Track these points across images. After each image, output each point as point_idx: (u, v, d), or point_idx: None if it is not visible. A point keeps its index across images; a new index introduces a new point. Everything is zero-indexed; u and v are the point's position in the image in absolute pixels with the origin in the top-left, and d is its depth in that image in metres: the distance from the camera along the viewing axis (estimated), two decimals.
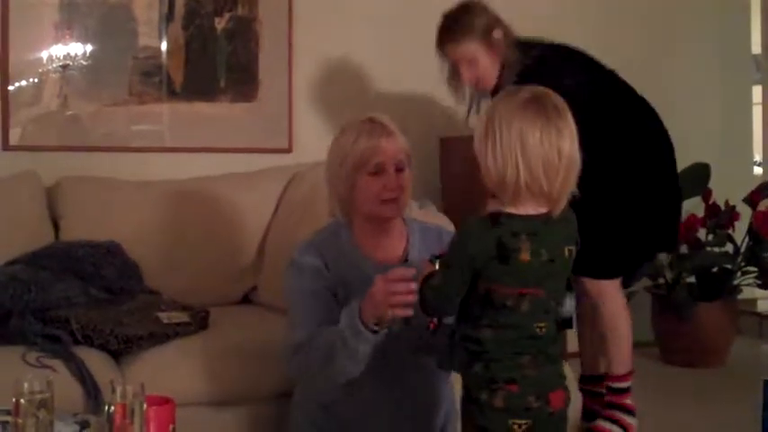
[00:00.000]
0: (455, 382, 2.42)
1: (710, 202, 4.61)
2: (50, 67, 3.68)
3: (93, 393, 2.61)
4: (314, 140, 4.07)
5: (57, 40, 3.68)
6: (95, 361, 2.72)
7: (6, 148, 3.63)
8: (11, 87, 3.62)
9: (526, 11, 4.53)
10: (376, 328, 2.15)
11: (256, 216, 3.61)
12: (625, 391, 3.33)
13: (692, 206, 4.59)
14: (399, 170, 2.36)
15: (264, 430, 2.89)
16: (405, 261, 2.43)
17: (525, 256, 1.92)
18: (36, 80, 3.66)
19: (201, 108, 3.92)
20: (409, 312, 2.09)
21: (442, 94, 3.98)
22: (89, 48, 3.73)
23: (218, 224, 3.54)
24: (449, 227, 2.67)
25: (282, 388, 2.72)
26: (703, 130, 4.95)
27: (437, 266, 2.04)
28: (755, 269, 4.55)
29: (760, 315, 5.18)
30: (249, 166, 3.80)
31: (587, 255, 3.15)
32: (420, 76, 4.15)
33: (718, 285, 4.54)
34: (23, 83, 3.64)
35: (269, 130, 4.05)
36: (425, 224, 2.54)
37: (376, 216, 2.39)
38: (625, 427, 3.30)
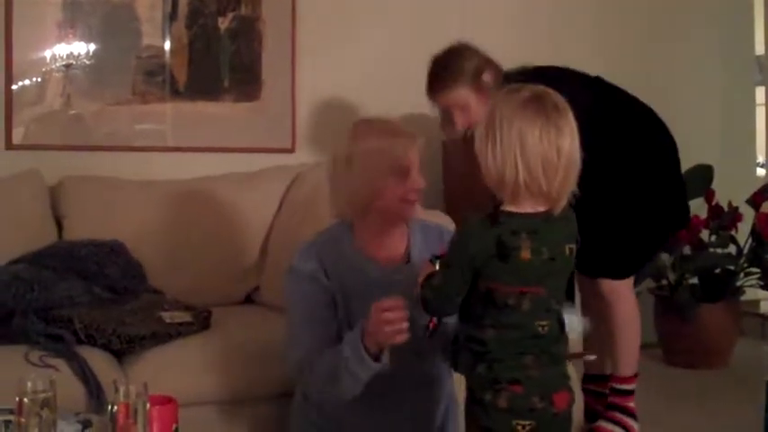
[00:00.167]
0: (458, 381, 2.43)
1: (713, 204, 4.60)
2: (53, 67, 3.68)
3: (95, 393, 2.61)
4: (317, 140, 4.09)
5: (60, 40, 3.68)
6: (98, 360, 2.72)
7: (10, 147, 3.63)
8: (14, 86, 3.62)
9: (527, 13, 4.56)
10: (379, 356, 2.19)
11: (259, 216, 3.61)
12: (629, 393, 3.33)
13: (695, 207, 4.57)
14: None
15: (267, 430, 2.89)
16: (407, 261, 2.44)
17: (526, 254, 1.93)
18: (39, 79, 3.66)
19: (205, 108, 3.92)
20: (403, 338, 2.12)
21: None
22: (92, 47, 3.73)
23: (220, 224, 3.54)
24: (449, 226, 2.66)
25: (284, 388, 2.72)
26: (706, 131, 4.95)
27: (437, 267, 2.04)
28: (758, 270, 4.54)
29: (763, 316, 5.17)
30: (252, 166, 3.80)
31: (602, 256, 3.20)
32: (422, 75, 4.15)
33: (721, 287, 4.53)
34: (27, 82, 3.64)
35: (272, 130, 4.05)
36: (426, 223, 2.54)
37: (395, 217, 2.40)
38: (627, 428, 3.30)
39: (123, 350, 2.81)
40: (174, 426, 1.99)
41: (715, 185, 4.63)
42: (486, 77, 3.14)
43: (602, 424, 3.31)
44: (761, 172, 5.75)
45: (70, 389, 2.55)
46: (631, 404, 3.33)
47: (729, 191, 4.64)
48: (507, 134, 1.92)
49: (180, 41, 3.87)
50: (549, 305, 1.99)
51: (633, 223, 3.24)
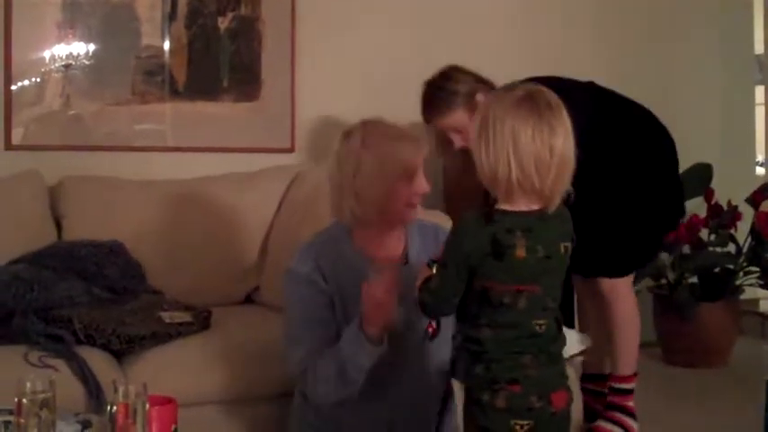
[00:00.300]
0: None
1: (713, 203, 4.60)
2: (53, 67, 3.68)
3: (95, 393, 2.61)
4: (316, 140, 4.09)
5: (59, 40, 3.68)
6: (98, 361, 2.72)
7: (9, 147, 3.63)
8: (14, 87, 3.62)
9: (527, 14, 4.56)
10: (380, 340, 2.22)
11: (259, 216, 3.61)
12: (629, 392, 3.34)
13: (695, 206, 4.58)
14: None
15: (266, 430, 2.89)
16: (405, 262, 2.45)
17: (521, 252, 1.93)
18: (39, 80, 3.66)
19: (204, 107, 3.92)
20: (393, 317, 2.18)
21: None
22: (92, 47, 3.73)
23: (220, 224, 3.55)
24: (446, 225, 2.67)
25: (284, 388, 2.71)
26: (706, 130, 4.95)
27: (434, 270, 2.05)
28: (758, 269, 4.55)
29: (762, 315, 5.18)
30: (251, 166, 3.80)
31: (601, 255, 3.22)
32: (422, 75, 4.15)
33: (720, 286, 4.53)
34: (26, 82, 3.64)
35: (271, 130, 4.05)
36: (423, 223, 2.55)
37: (396, 220, 2.42)
38: (627, 428, 3.30)
39: (123, 350, 2.81)
40: (173, 426, 1.99)
41: (714, 184, 4.63)
42: (480, 98, 3.14)
43: (602, 423, 3.32)
44: (760, 171, 5.75)
45: (70, 389, 2.55)
46: (631, 403, 3.33)
47: (729, 190, 4.64)
48: (500, 133, 1.92)
49: (179, 41, 3.87)
50: (545, 304, 1.99)
51: (632, 222, 3.25)
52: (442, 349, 2.46)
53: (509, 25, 4.49)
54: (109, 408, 1.88)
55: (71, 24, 3.70)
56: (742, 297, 4.63)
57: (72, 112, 3.72)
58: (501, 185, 1.94)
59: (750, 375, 4.24)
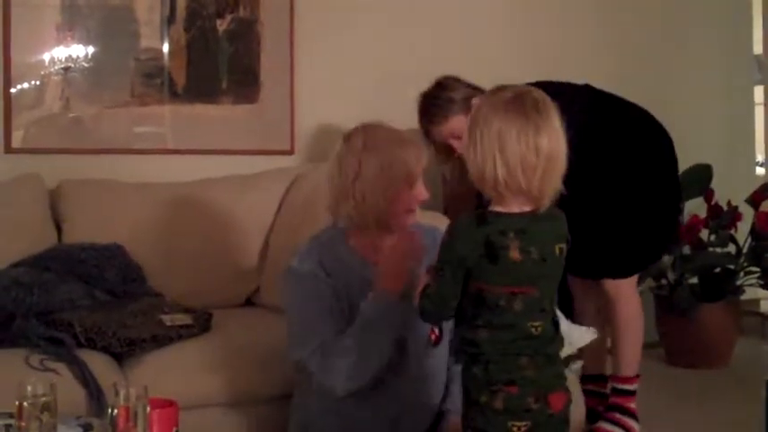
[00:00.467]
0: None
1: (713, 203, 4.60)
2: (52, 70, 3.68)
3: (96, 396, 2.60)
4: (316, 142, 4.09)
5: (58, 43, 3.68)
6: (98, 364, 2.71)
7: (9, 150, 3.62)
8: (13, 90, 3.62)
9: (528, 15, 4.56)
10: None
11: (258, 218, 3.61)
12: (631, 393, 3.34)
13: (695, 207, 4.59)
14: None
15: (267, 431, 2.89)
16: None
17: (515, 254, 1.93)
18: (38, 82, 3.66)
19: (203, 110, 3.92)
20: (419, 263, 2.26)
21: None
22: (91, 50, 3.73)
23: (220, 226, 3.54)
24: (443, 228, 2.68)
25: (285, 390, 2.71)
26: (706, 130, 4.95)
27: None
28: (758, 269, 4.54)
29: (763, 315, 5.18)
30: (251, 168, 3.80)
31: (605, 256, 3.22)
32: (421, 77, 4.15)
33: (720, 286, 4.53)
34: (25, 85, 3.64)
35: (271, 132, 4.04)
36: (419, 225, 2.55)
37: (397, 225, 2.42)
38: (627, 429, 3.30)
39: (123, 353, 2.80)
40: (174, 429, 1.99)
41: (714, 185, 4.63)
42: (476, 101, 3.15)
43: (603, 425, 3.32)
44: (760, 171, 5.75)
45: (70, 392, 2.55)
46: (632, 405, 3.33)
47: (729, 190, 4.64)
48: (487, 134, 1.94)
49: (178, 43, 3.87)
50: (542, 306, 1.99)
51: (633, 222, 3.25)
52: (444, 346, 2.47)
53: (509, 26, 4.49)
54: (110, 411, 1.87)
55: (70, 27, 3.70)
56: (742, 297, 4.63)
57: (71, 114, 3.71)
58: (489, 186, 1.96)
59: (751, 375, 4.24)
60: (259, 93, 4.02)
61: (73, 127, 3.72)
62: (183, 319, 3.00)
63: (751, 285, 4.62)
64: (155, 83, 3.83)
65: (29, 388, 1.88)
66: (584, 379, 3.50)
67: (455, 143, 3.19)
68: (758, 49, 5.61)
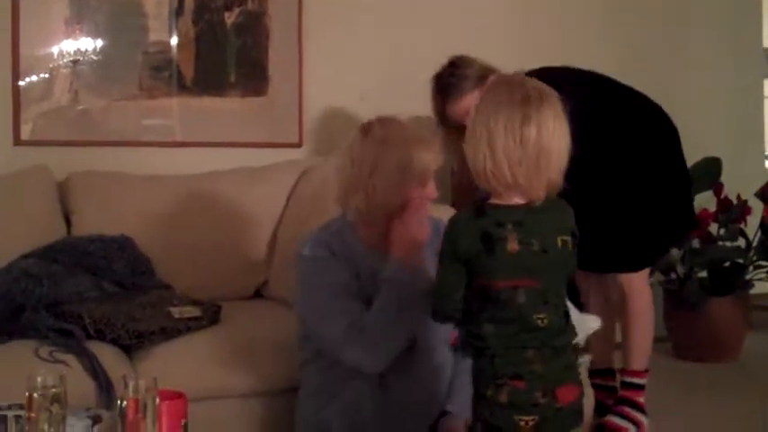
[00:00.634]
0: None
1: (722, 197, 4.59)
2: (61, 63, 3.68)
3: (105, 388, 2.60)
4: (324, 135, 4.08)
5: (67, 36, 3.68)
6: (107, 356, 2.72)
7: (18, 143, 3.63)
8: (22, 82, 3.62)
9: (536, 8, 4.55)
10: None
11: (267, 211, 3.61)
12: (641, 387, 3.33)
13: (704, 200, 4.57)
14: None
15: (276, 424, 2.89)
16: None
17: (513, 246, 1.93)
18: (47, 75, 3.66)
19: (212, 103, 3.92)
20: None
21: None
22: (99, 43, 3.73)
23: (228, 219, 3.54)
24: (446, 219, 2.70)
25: (293, 383, 2.71)
26: (715, 124, 4.94)
27: None
28: (767, 264, 4.53)
29: None
30: (259, 161, 3.80)
31: (615, 250, 3.21)
32: (430, 68, 4.14)
33: (730, 280, 4.52)
34: (34, 78, 3.64)
35: (279, 125, 4.04)
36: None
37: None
38: (637, 423, 3.29)
39: (132, 345, 2.81)
40: (183, 421, 1.99)
41: (724, 178, 4.61)
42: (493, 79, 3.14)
43: (612, 418, 3.31)
44: None
45: (80, 384, 2.55)
46: (641, 399, 3.33)
47: (738, 184, 4.63)
48: (479, 126, 1.96)
49: (186, 36, 3.87)
50: (546, 298, 1.98)
51: (641, 213, 3.24)
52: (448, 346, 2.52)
53: (512, 18, 4.47)
54: (119, 403, 1.88)
55: (78, 20, 3.70)
56: (752, 291, 4.61)
57: (80, 107, 3.72)
58: (482, 180, 1.97)
59: (760, 369, 4.24)
60: (267, 86, 4.02)
61: (81, 119, 3.72)
62: (191, 311, 3.00)
63: (760, 279, 4.60)
64: (163, 76, 3.83)
65: (39, 379, 1.88)
66: (593, 373, 3.49)
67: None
68: (767, 42, 5.58)
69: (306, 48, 4.08)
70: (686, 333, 4.48)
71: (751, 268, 4.56)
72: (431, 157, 2.40)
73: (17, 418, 1.98)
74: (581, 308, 3.38)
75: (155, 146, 3.84)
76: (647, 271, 3.40)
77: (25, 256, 3.10)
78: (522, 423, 1.91)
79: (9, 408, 2.02)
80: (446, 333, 2.51)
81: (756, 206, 4.57)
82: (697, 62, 4.98)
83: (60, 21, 3.67)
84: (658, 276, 4.51)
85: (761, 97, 5.43)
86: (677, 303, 4.48)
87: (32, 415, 1.87)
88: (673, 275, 4.53)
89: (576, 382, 2.01)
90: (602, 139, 3.10)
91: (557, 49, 4.37)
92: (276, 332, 2.95)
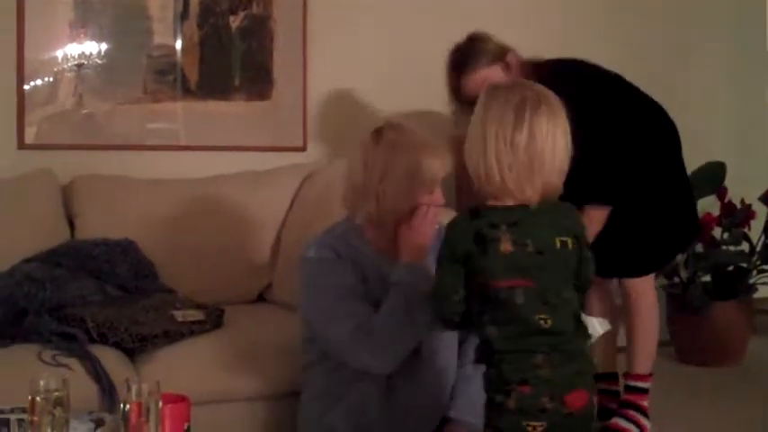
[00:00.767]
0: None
1: (726, 201, 4.59)
2: (65, 66, 3.69)
3: (108, 391, 2.61)
4: (328, 139, 4.09)
5: (71, 39, 3.69)
6: (110, 359, 2.72)
7: (22, 146, 3.64)
8: (26, 86, 3.63)
9: (539, 12, 4.55)
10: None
11: (271, 214, 3.61)
12: (644, 391, 3.33)
13: (708, 205, 4.57)
14: None
15: (279, 427, 2.89)
16: None
17: (506, 246, 1.94)
18: (51, 79, 3.67)
19: (216, 106, 3.92)
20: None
21: None
22: (104, 46, 3.74)
23: (232, 223, 3.55)
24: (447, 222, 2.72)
25: (296, 386, 2.71)
26: (719, 128, 4.93)
27: None
28: None
29: None
30: (264, 165, 3.80)
31: (621, 256, 3.21)
32: (434, 73, 4.14)
33: (733, 284, 4.52)
34: (38, 82, 3.65)
35: (283, 129, 4.05)
36: None
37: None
38: (641, 427, 3.29)
39: (135, 349, 2.81)
40: (186, 424, 1.99)
41: (728, 183, 4.61)
42: (512, 58, 3.16)
43: (618, 421, 3.31)
44: None
45: (83, 387, 2.55)
46: (645, 403, 3.33)
47: (742, 188, 4.62)
48: (474, 130, 1.99)
49: (191, 40, 3.87)
50: (545, 298, 1.97)
51: (652, 217, 3.23)
52: (453, 351, 2.54)
53: (519, 17, 4.47)
54: (122, 406, 1.88)
55: (83, 23, 3.70)
56: (755, 296, 4.60)
57: (84, 111, 3.72)
58: (474, 181, 2.00)
59: (763, 374, 4.24)
60: (272, 89, 4.02)
61: (86, 123, 3.73)
62: (194, 314, 3.00)
63: (764, 284, 4.59)
64: (167, 79, 3.84)
65: (42, 383, 1.88)
66: (596, 377, 3.49)
67: None
68: None
69: (310, 52, 4.08)
70: (689, 337, 4.48)
71: (754, 272, 4.56)
72: (439, 164, 2.42)
73: (20, 421, 1.98)
74: (583, 311, 3.39)
75: (159, 149, 3.84)
76: (651, 276, 3.40)
77: (28, 260, 3.10)
78: (530, 429, 1.91)
79: (12, 411, 2.03)
80: (451, 338, 2.52)
81: (760, 210, 4.56)
82: (701, 66, 4.97)
83: (65, 24, 3.68)
84: (662, 280, 4.50)
85: (765, 101, 5.42)
86: (680, 307, 4.47)
87: (35, 418, 1.87)
88: (676, 279, 4.53)
89: (587, 388, 1.99)
90: (599, 144, 3.10)
91: (558, 49, 4.37)
92: (279, 336, 2.96)
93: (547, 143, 1.95)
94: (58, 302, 2.90)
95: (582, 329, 2.03)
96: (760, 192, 4.61)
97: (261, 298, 3.63)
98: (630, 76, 3.38)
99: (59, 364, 2.62)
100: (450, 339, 2.54)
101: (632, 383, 3.35)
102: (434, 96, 4.07)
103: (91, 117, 3.73)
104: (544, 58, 3.25)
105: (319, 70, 4.10)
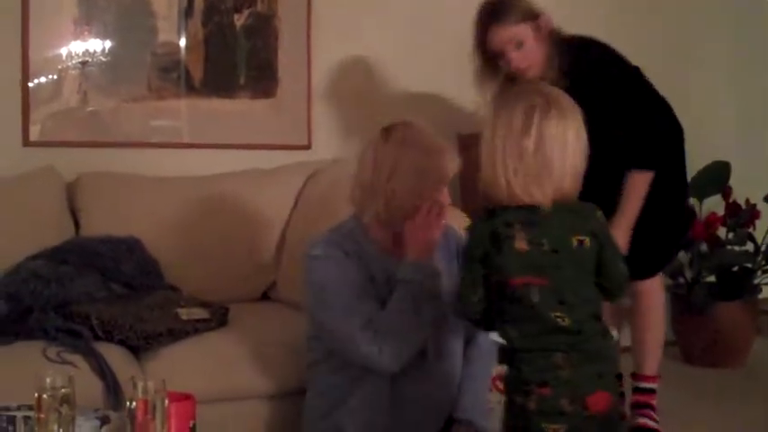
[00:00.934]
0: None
1: (731, 201, 4.58)
2: (70, 64, 3.68)
3: (113, 389, 2.61)
4: (333, 137, 4.08)
5: (76, 36, 3.68)
6: (116, 357, 2.72)
7: (27, 144, 3.63)
8: (31, 84, 3.62)
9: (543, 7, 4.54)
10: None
11: (275, 213, 3.61)
12: (653, 392, 3.33)
13: (713, 204, 4.56)
14: None
15: (284, 426, 2.89)
16: None
17: (521, 244, 1.97)
18: (55, 76, 3.66)
19: (220, 104, 3.92)
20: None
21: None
22: (108, 44, 3.73)
23: (237, 220, 3.54)
24: (454, 222, 2.72)
25: (301, 384, 2.71)
26: (723, 127, 4.92)
27: None
28: None
29: None
30: (268, 163, 3.80)
31: (631, 257, 3.19)
32: (438, 72, 4.14)
33: (738, 284, 4.51)
34: (43, 79, 3.64)
35: (288, 127, 4.04)
36: None
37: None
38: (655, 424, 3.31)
39: (140, 346, 2.81)
40: (191, 422, 1.99)
41: (732, 182, 4.60)
42: (544, 21, 3.11)
43: (646, 421, 3.30)
44: None
45: (87, 385, 2.55)
46: (654, 402, 3.33)
47: (747, 188, 4.62)
48: (486, 134, 2.02)
49: (196, 38, 3.87)
50: (561, 297, 1.97)
51: (657, 216, 3.22)
52: (458, 354, 2.55)
53: None
54: (128, 404, 1.88)
55: (87, 21, 3.70)
56: (760, 296, 4.59)
57: (89, 108, 3.72)
58: (483, 184, 2.02)
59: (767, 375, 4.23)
60: (276, 87, 4.01)
61: (90, 120, 3.72)
62: (199, 313, 3.00)
63: None
64: (172, 77, 3.83)
65: (48, 380, 1.88)
66: None
67: (513, 55, 3.07)
68: None
69: (315, 50, 4.07)
70: (694, 337, 4.47)
71: (759, 273, 4.55)
72: (447, 163, 2.44)
73: (26, 418, 1.97)
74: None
75: (163, 147, 3.83)
76: (659, 276, 3.39)
77: (34, 257, 3.10)
78: (551, 431, 1.92)
79: (18, 408, 2.03)
80: (456, 337, 2.52)
81: (765, 210, 4.56)
82: (704, 65, 4.96)
83: (69, 21, 3.67)
84: (666, 281, 4.49)
85: None
86: (685, 308, 4.46)
87: (42, 416, 1.87)
88: (681, 280, 4.52)
89: (609, 390, 1.99)
90: (634, 105, 3.10)
91: None
92: (284, 334, 2.96)
93: (556, 149, 1.97)
94: (64, 299, 2.90)
95: (602, 330, 2.02)
96: (765, 192, 4.60)
97: (265, 296, 3.63)
98: None
99: (64, 362, 2.62)
100: (455, 338, 2.54)
101: (642, 384, 3.34)
102: (439, 94, 4.08)
103: (95, 114, 3.73)
104: (568, 32, 3.21)
105: (323, 68, 4.10)
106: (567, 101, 2.02)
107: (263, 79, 3.99)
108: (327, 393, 2.50)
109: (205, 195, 3.56)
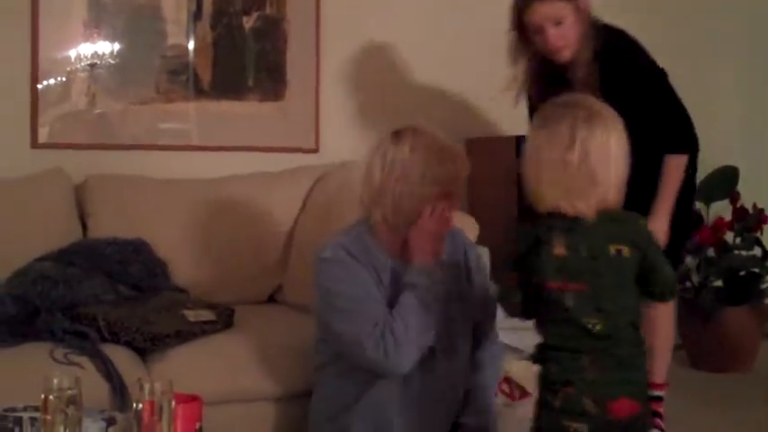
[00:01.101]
0: None
1: (738, 205, 4.57)
2: (78, 66, 3.69)
3: (119, 390, 2.61)
4: (340, 141, 4.08)
5: (85, 39, 3.69)
6: (122, 358, 2.73)
7: (35, 145, 3.64)
8: (40, 86, 3.63)
9: None
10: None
11: (283, 215, 3.61)
12: (661, 399, 3.33)
13: (720, 209, 4.55)
14: None
15: (290, 428, 2.90)
16: None
17: (560, 250, 2.00)
18: (64, 79, 3.67)
19: (229, 107, 3.92)
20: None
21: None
22: (117, 46, 3.74)
23: (244, 223, 3.55)
24: (460, 226, 2.72)
25: (308, 386, 2.72)
26: (731, 132, 4.92)
27: None
28: None
29: None
30: (276, 166, 3.80)
31: None
32: (447, 76, 4.14)
33: (745, 289, 4.50)
34: (52, 81, 3.65)
35: (296, 130, 4.05)
36: None
37: None
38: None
39: (147, 348, 2.82)
40: (197, 424, 2.00)
41: (740, 187, 4.60)
42: (584, 1, 3.10)
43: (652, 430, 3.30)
44: None
45: (94, 386, 2.55)
46: (661, 410, 3.32)
47: (754, 192, 4.61)
48: (530, 147, 2.06)
49: (204, 41, 3.87)
50: (598, 304, 2.00)
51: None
52: (463, 358, 2.55)
53: None
54: (135, 405, 1.88)
55: (96, 23, 3.71)
56: (767, 301, 4.58)
57: (97, 110, 3.73)
58: (528, 195, 2.06)
59: None
60: (285, 90, 4.02)
61: (99, 123, 3.73)
62: (206, 314, 3.00)
63: None
64: (180, 79, 3.84)
65: (55, 381, 1.89)
66: None
67: (551, 31, 3.05)
68: None
69: (323, 53, 4.08)
70: (701, 342, 4.47)
71: (767, 277, 4.54)
72: (458, 171, 2.44)
73: (32, 420, 1.98)
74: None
75: (171, 149, 3.84)
76: None
77: (41, 259, 3.11)
78: (572, 429, 1.95)
79: (25, 409, 2.04)
80: (464, 340, 2.52)
81: None
82: (713, 69, 4.96)
83: (79, 24, 3.69)
84: None
85: None
86: (692, 312, 4.46)
87: (48, 417, 1.87)
88: (688, 284, 4.52)
89: (636, 398, 2.00)
90: (664, 89, 3.13)
91: None
92: (291, 336, 2.96)
93: (600, 161, 1.99)
94: (71, 301, 2.91)
95: (638, 338, 2.05)
96: None
97: (271, 299, 3.63)
98: None
99: (71, 363, 2.63)
100: (464, 341, 2.54)
101: (654, 393, 3.34)
102: (448, 98, 4.08)
103: (104, 117, 3.74)
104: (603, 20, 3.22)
105: (332, 71, 4.11)
106: (608, 112, 2.05)
107: (271, 82, 4.00)
108: (334, 396, 2.51)
109: (213, 198, 3.56)
